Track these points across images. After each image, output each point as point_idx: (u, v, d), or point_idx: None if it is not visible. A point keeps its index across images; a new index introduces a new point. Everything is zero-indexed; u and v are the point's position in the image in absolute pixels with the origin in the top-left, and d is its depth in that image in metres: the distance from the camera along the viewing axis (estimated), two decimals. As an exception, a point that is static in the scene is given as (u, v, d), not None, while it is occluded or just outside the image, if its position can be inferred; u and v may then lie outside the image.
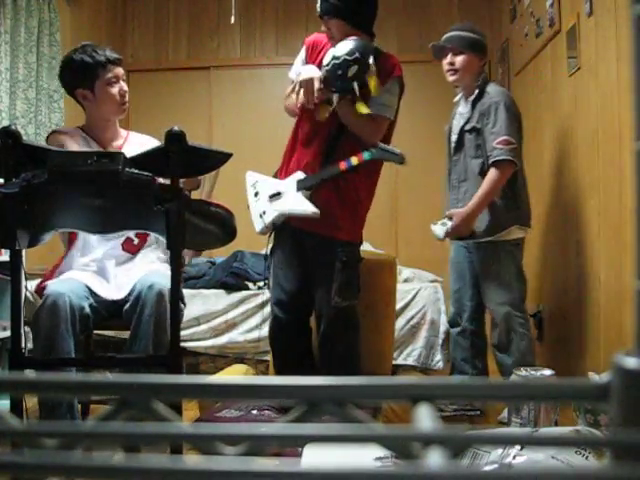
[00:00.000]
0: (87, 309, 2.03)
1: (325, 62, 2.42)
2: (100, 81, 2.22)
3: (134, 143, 2.25)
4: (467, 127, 2.86)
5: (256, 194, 2.59)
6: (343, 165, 2.45)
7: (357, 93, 2.37)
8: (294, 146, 2.59)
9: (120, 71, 2.26)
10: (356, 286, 2.50)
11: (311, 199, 2.46)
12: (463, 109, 2.95)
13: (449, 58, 2.87)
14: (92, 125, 2.31)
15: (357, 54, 2.36)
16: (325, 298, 2.47)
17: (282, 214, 2.50)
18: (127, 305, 2.04)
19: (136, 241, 2.27)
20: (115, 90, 2.24)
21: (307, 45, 2.67)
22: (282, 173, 2.60)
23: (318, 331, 2.56)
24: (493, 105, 2.77)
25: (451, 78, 2.90)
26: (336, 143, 2.50)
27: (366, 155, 2.45)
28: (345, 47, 2.38)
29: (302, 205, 2.46)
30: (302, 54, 2.67)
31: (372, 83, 2.37)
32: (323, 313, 2.51)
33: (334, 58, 2.38)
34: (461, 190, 2.90)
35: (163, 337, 1.94)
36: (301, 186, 2.48)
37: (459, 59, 2.85)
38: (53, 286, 2.00)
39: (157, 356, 1.91)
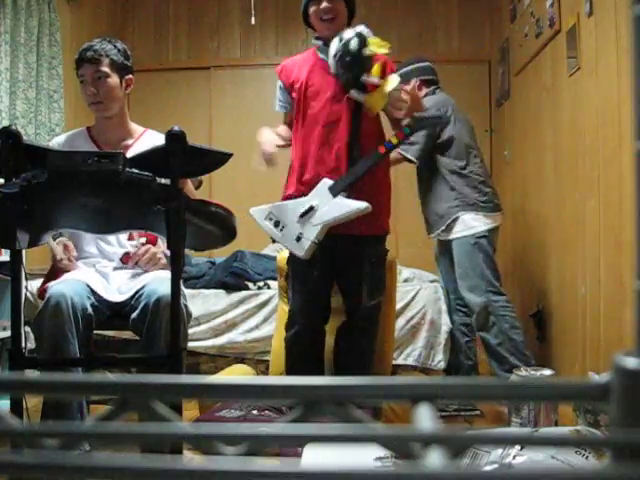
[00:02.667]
0: (89, 309, 2.01)
1: (331, 59, 2.35)
2: (79, 80, 2.25)
3: (147, 142, 2.13)
4: None
5: (277, 224, 2.40)
6: (382, 149, 2.38)
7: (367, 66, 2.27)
8: (308, 152, 2.45)
9: (91, 69, 2.19)
10: (384, 282, 2.53)
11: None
12: None
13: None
14: (96, 123, 2.34)
15: (350, 34, 2.29)
16: (361, 295, 2.46)
17: (326, 225, 2.34)
18: (134, 314, 2.02)
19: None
20: (84, 89, 2.23)
21: (279, 72, 2.58)
22: (300, 182, 2.46)
23: (347, 325, 2.54)
24: None
25: None
26: (357, 139, 2.41)
27: (406, 131, 2.37)
28: (336, 42, 2.34)
29: (350, 205, 2.32)
30: (279, 84, 2.59)
31: (376, 68, 2.27)
32: (357, 309, 2.49)
33: (341, 49, 2.29)
34: None
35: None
36: (337, 190, 2.34)
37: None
38: (55, 287, 1.99)
39: (157, 356, 1.91)
